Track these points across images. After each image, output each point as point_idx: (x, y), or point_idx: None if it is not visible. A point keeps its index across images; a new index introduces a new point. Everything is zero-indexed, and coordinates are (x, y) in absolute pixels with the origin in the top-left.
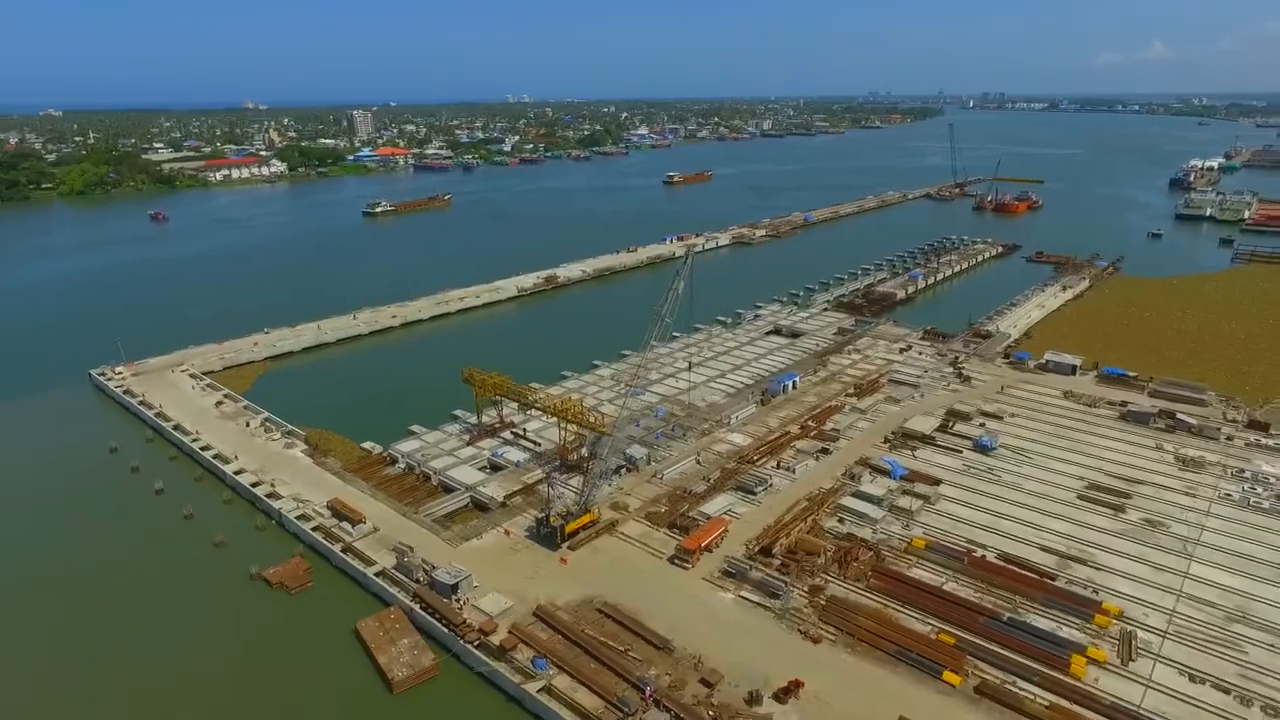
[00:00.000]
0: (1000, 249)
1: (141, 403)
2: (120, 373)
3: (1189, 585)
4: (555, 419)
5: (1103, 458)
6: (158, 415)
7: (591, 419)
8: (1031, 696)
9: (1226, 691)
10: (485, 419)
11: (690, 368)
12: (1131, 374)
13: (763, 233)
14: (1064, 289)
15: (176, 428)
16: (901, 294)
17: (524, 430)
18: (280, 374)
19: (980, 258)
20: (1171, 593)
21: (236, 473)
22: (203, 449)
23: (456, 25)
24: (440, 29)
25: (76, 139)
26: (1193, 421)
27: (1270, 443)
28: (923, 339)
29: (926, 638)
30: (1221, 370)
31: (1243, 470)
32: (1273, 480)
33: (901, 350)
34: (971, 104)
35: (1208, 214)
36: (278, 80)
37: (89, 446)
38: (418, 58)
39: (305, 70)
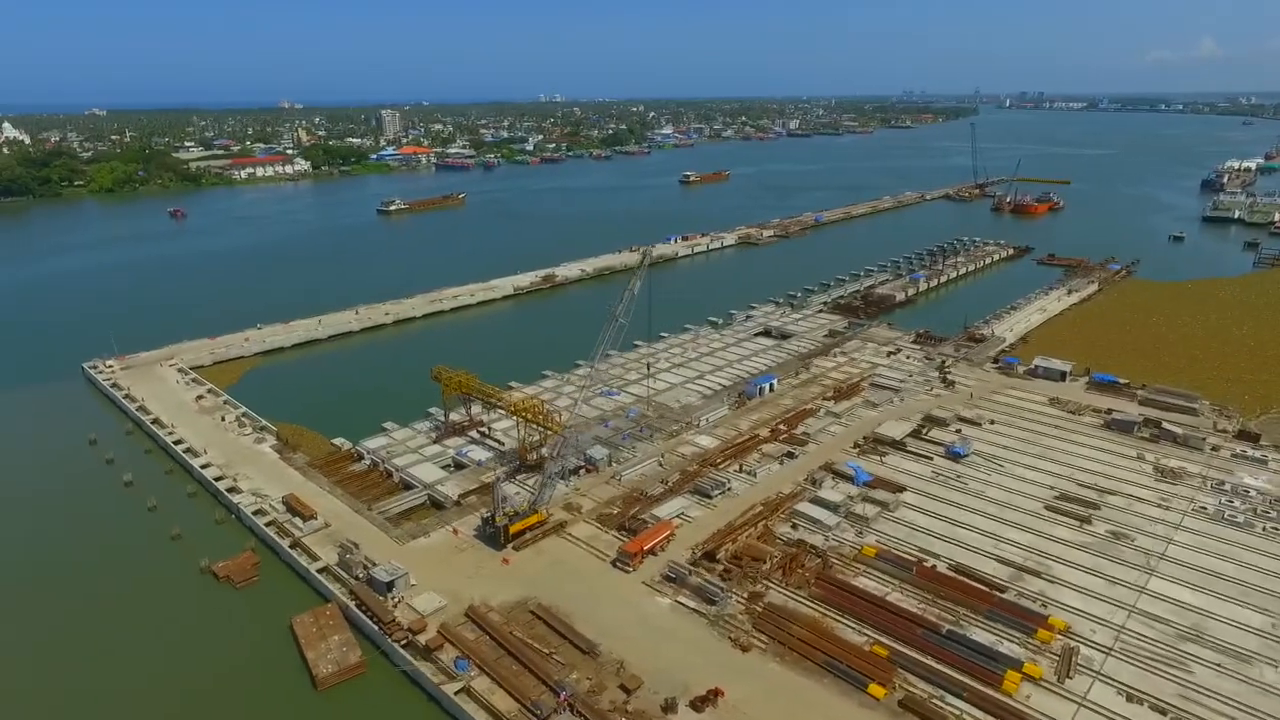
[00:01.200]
0: (1010, 251)
1: (126, 396)
2: (111, 366)
3: (1144, 601)
4: (521, 419)
5: (1079, 467)
6: (139, 409)
7: (551, 420)
8: (957, 713)
9: (1163, 713)
10: (456, 417)
11: (649, 369)
12: (1122, 381)
13: (770, 233)
14: (1069, 292)
15: (155, 421)
16: (901, 296)
17: (489, 429)
18: (268, 369)
19: (989, 260)
20: (1125, 608)
21: (203, 466)
22: (175, 442)
23: (495, 27)
24: (478, 31)
25: (113, 137)
26: (1178, 431)
27: (1257, 454)
28: (914, 342)
29: (859, 649)
30: (1223, 378)
31: (1223, 483)
32: (1253, 493)
33: (889, 354)
34: (1008, 103)
35: (1236, 216)
36: (316, 81)
37: (70, 438)
38: (454, 59)
39: (343, 71)
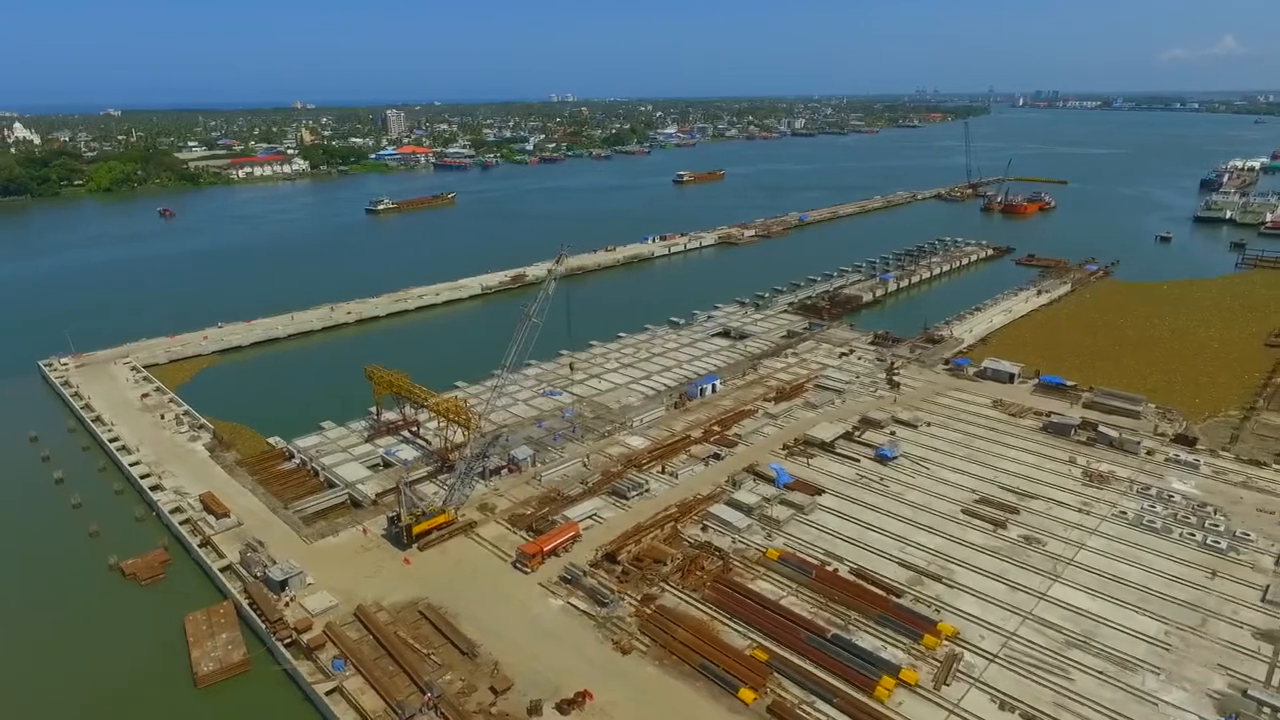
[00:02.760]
0: (990, 251)
1: (74, 394)
2: (66, 364)
3: (1041, 607)
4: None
5: (1006, 470)
6: (84, 407)
7: (470, 420)
8: (822, 718)
9: None
10: (393, 416)
11: (572, 369)
12: (1069, 383)
13: (752, 233)
14: (1039, 293)
15: (96, 419)
16: (868, 297)
17: (418, 429)
18: (223, 368)
19: (966, 260)
20: (1020, 615)
21: (133, 464)
22: (111, 440)
23: (509, 28)
24: (492, 32)
25: (120, 137)
26: (1113, 434)
27: (1190, 459)
28: (872, 343)
29: (739, 652)
30: (1179, 380)
31: (1149, 487)
32: (1177, 498)
33: (841, 355)
34: (1021, 102)
35: (1228, 217)
36: (331, 81)
37: (12, 434)
38: (468, 59)
39: (358, 71)
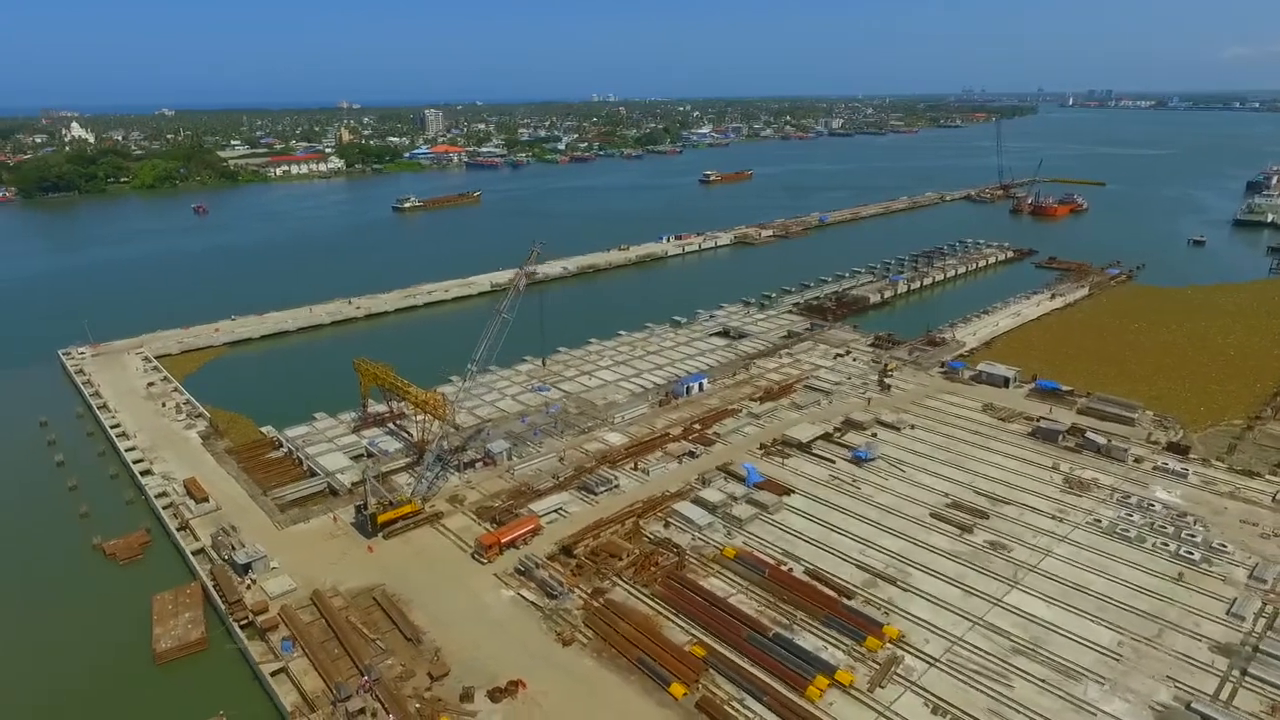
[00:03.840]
0: (1010, 254)
1: (86, 382)
2: (83, 353)
3: (994, 613)
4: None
5: (984, 475)
6: (93, 394)
7: (444, 414)
8: (750, 715)
9: None
10: (382, 408)
11: (544, 364)
12: (1065, 388)
13: (769, 233)
14: (1052, 297)
15: (102, 406)
16: (876, 298)
17: (401, 421)
18: (231, 359)
19: (985, 262)
20: (970, 620)
21: (128, 450)
22: (112, 426)
23: (555, 28)
24: (538, 32)
25: (169, 136)
26: (1100, 441)
27: (1179, 468)
28: (871, 345)
29: (678, 648)
30: (1186, 387)
31: (1129, 495)
32: (1158, 507)
33: (836, 356)
34: (1071, 102)
35: (1270, 220)
36: (379, 81)
37: (24, 419)
38: (513, 59)
39: (406, 71)
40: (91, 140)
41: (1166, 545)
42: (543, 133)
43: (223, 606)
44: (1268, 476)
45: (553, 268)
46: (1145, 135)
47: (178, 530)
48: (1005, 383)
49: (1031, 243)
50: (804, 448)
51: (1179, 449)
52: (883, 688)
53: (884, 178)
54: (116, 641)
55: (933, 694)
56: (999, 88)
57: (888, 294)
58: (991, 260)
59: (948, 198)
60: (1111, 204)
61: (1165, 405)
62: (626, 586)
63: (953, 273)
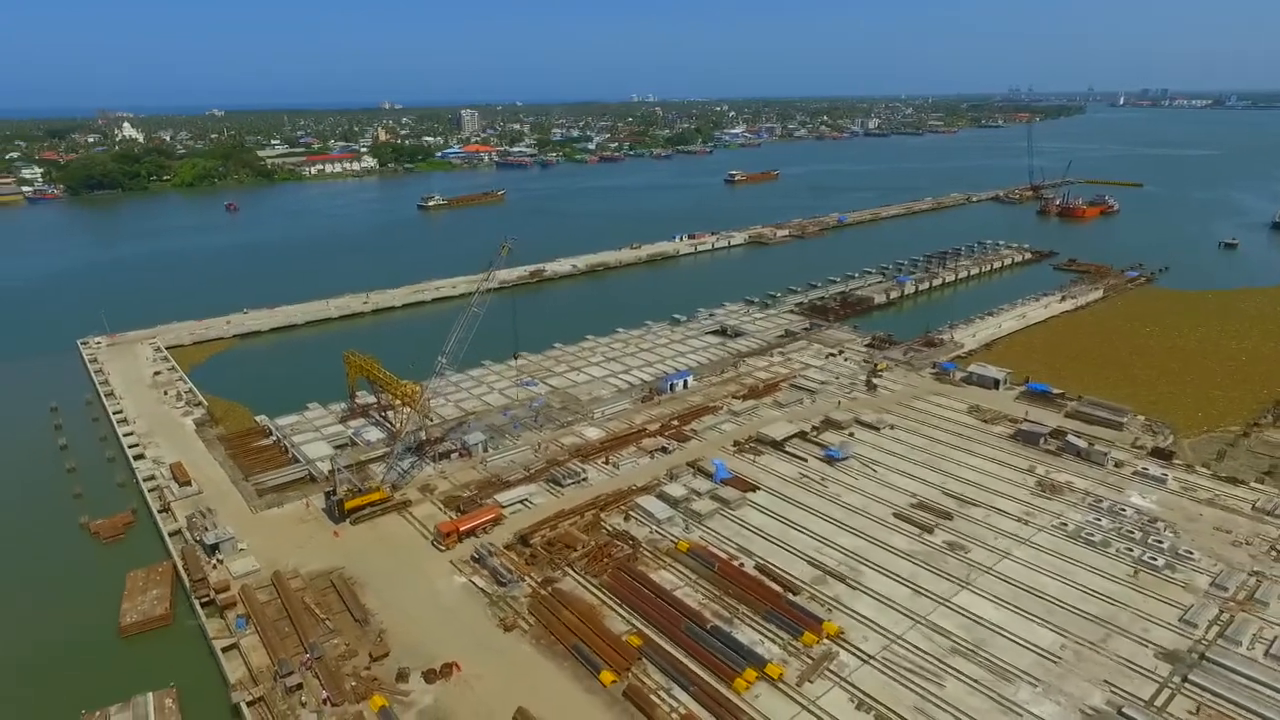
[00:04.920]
0: (1028, 255)
1: (97, 370)
2: (99, 343)
3: (940, 613)
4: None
5: (957, 476)
6: (103, 382)
7: (421, 406)
8: (673, 706)
9: None
10: (370, 400)
11: (516, 358)
12: (1056, 391)
13: (785, 233)
14: (1063, 299)
15: (109, 394)
16: (881, 299)
17: (386, 411)
18: (238, 351)
19: (1001, 264)
20: (914, 619)
21: (126, 435)
22: (115, 412)
23: (598, 30)
24: (582, 33)
25: (213, 136)
26: (1081, 444)
27: (1158, 473)
28: (867, 345)
29: (615, 637)
30: (1188, 392)
31: (1102, 500)
32: (1129, 512)
33: (828, 356)
34: (1122, 101)
35: None
36: (423, 80)
37: (37, 403)
38: (558, 60)
39: (450, 71)
40: (140, 140)
41: (1130, 550)
42: (575, 133)
43: (188, 584)
44: (1251, 484)
45: (562, 265)
46: (1194, 135)
47: (159, 512)
48: (995, 385)
49: (1056, 245)
50: (778, 445)
51: (1163, 454)
52: (811, 682)
53: (913, 178)
54: (86, 614)
55: (860, 690)
56: (1049, 87)
57: (894, 295)
58: (1008, 262)
59: (974, 198)
60: (1146, 206)
61: (1162, 410)
62: (576, 576)
63: (965, 274)
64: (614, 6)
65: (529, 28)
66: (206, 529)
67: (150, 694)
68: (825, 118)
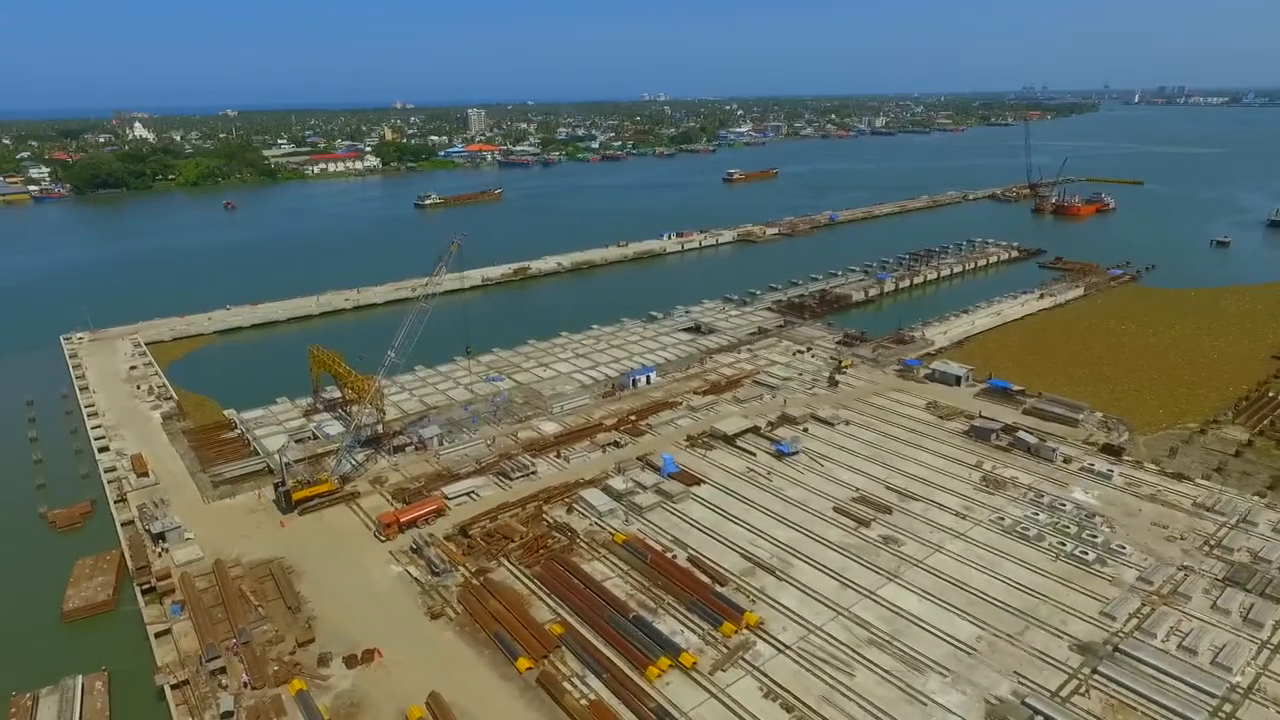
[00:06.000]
0: (1015, 253)
1: (76, 365)
2: (81, 338)
3: (863, 605)
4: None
5: (904, 471)
6: (79, 377)
7: (372, 399)
8: (583, 692)
9: (789, 709)
10: (337, 394)
11: (469, 352)
12: (1017, 388)
13: (775, 231)
14: (1041, 297)
15: (84, 388)
16: (860, 296)
17: (348, 406)
18: (218, 347)
19: (986, 261)
20: (836, 610)
21: (94, 428)
22: (86, 406)
23: (611, 30)
24: (596, 33)
25: (222, 135)
26: (1031, 440)
27: (1104, 469)
28: (840, 342)
29: (538, 625)
30: (1154, 390)
31: (1043, 495)
32: (1069, 507)
33: (795, 352)
34: (1138, 99)
35: None
36: (437, 79)
37: (13, 397)
38: (570, 60)
39: (466, 71)
40: (152, 139)
41: (1063, 545)
42: (581, 132)
43: (132, 571)
44: (1197, 481)
45: (547, 263)
46: (1205, 133)
47: (115, 502)
48: (957, 381)
49: (1048, 242)
50: (729, 440)
51: (1113, 450)
52: (724, 671)
53: (913, 177)
54: (31, 600)
55: (771, 679)
56: (1064, 85)
57: (872, 292)
58: (993, 260)
59: (971, 196)
60: (1144, 204)
61: (1124, 407)
62: (511, 567)
63: (948, 271)
64: (630, 4)
65: (544, 29)
66: (155, 518)
67: (80, 677)
68: (833, 116)
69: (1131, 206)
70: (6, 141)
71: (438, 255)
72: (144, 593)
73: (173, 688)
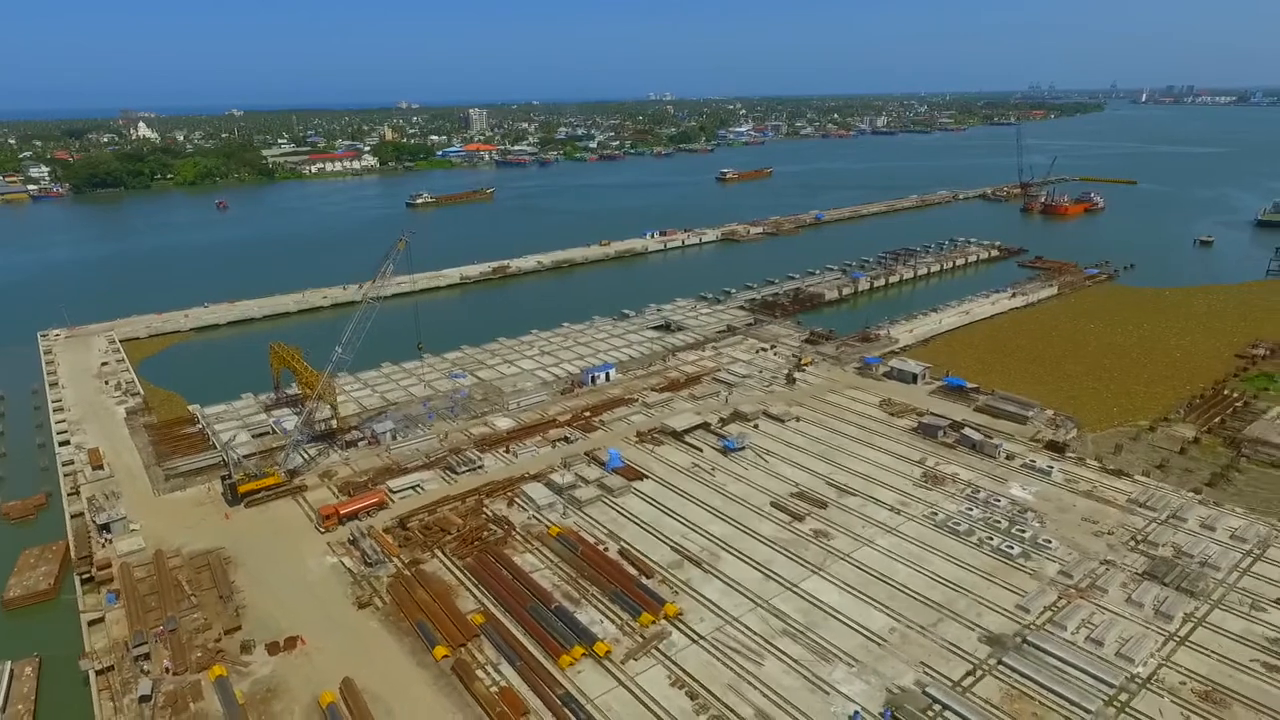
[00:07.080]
0: (995, 252)
1: (49, 361)
2: (58, 335)
3: (783, 597)
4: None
5: (847, 467)
6: (51, 372)
7: (321, 394)
8: (495, 679)
9: (694, 697)
10: (296, 390)
11: (420, 347)
12: (971, 386)
13: (759, 230)
14: (1013, 296)
15: (54, 384)
16: (833, 295)
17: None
18: (192, 344)
19: (964, 260)
20: (755, 602)
21: (58, 422)
22: (54, 401)
23: (618, 30)
24: (605, 32)
25: (224, 135)
26: (976, 437)
27: (1045, 465)
28: (807, 340)
29: (460, 615)
30: (1111, 388)
31: (979, 491)
32: (1004, 502)
33: (759, 350)
34: (1144, 98)
35: None
36: (442, 79)
37: None
38: (577, 60)
39: (472, 72)
40: (155, 139)
41: (991, 539)
42: (581, 131)
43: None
44: (1136, 477)
45: (527, 261)
46: (1207, 133)
47: (68, 494)
48: (914, 379)
49: (1034, 242)
50: (678, 436)
51: (1057, 447)
52: (636, 660)
53: (908, 176)
54: None
55: (680, 668)
56: (1070, 84)
57: (846, 291)
58: (972, 259)
59: (961, 196)
60: (1134, 203)
61: (1078, 405)
62: (444, 558)
63: (925, 270)
64: (640, 4)
65: (551, 29)
66: (102, 510)
67: (10, 663)
68: (835, 115)
69: (1121, 206)
70: (11, 141)
71: (384, 253)
72: (83, 582)
73: (97, 673)
